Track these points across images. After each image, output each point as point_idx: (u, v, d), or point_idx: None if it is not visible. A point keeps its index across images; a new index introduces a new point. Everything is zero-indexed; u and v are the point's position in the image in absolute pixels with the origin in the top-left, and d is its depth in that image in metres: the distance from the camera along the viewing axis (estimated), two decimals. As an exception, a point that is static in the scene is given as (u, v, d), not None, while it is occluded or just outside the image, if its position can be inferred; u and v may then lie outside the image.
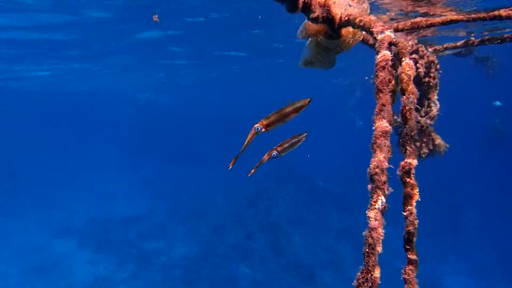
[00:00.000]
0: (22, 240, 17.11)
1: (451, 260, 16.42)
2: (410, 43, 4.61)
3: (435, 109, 4.62)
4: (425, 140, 4.73)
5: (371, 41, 2.94)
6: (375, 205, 1.47)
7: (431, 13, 5.32)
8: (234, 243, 15.54)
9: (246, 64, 20.74)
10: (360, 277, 1.38)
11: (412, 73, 1.68)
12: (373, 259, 1.40)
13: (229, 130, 36.36)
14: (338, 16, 2.06)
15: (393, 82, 1.75)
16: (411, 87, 1.67)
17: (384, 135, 1.60)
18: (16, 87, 25.73)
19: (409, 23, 2.81)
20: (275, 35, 12.93)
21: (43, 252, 16.11)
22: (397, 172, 1.75)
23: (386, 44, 1.68)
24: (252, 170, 2.22)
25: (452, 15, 2.94)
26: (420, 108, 4.59)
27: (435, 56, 4.56)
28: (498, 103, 21.03)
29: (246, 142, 2.12)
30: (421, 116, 4.60)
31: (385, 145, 1.58)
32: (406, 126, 1.70)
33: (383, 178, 1.51)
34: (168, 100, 49.11)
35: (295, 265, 14.39)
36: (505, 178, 24.44)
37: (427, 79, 4.43)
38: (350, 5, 2.04)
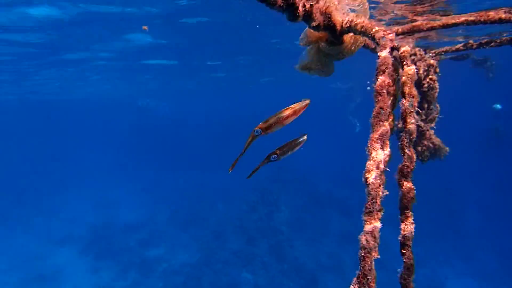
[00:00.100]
0: (22, 249, 17.04)
1: (454, 262, 16.33)
2: (410, 45, 4.62)
3: (435, 112, 4.62)
4: (425, 143, 4.72)
5: (372, 46, 2.94)
6: (370, 208, 1.46)
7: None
8: (235, 249, 15.47)
9: (246, 71, 20.80)
10: (356, 282, 1.38)
11: (413, 77, 1.67)
12: (369, 263, 1.39)
13: (229, 135, 36.41)
14: (340, 23, 2.06)
15: (394, 86, 1.75)
16: (413, 90, 1.67)
17: (381, 138, 1.59)
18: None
19: (410, 26, 2.81)
20: (276, 36, 12.94)
21: (44, 260, 16.03)
22: (395, 176, 1.74)
23: (388, 49, 1.68)
24: (251, 173, 2.22)
25: (452, 19, 2.95)
26: (420, 111, 4.59)
27: (434, 59, 4.57)
28: (498, 106, 21.05)
29: (245, 146, 2.14)
30: (422, 119, 4.60)
31: (381, 148, 1.58)
32: (406, 129, 1.69)
33: (379, 181, 1.50)
34: (168, 106, 49.23)
35: (297, 270, 14.30)
36: (506, 179, 24.39)
37: (426, 81, 4.44)
38: (351, 9, 2.05)
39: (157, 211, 20.19)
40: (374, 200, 1.44)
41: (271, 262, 14.68)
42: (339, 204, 19.85)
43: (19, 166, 33.09)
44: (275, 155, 2.26)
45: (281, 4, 1.71)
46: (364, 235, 1.38)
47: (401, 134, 1.77)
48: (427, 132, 4.69)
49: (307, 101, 2.27)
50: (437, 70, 4.58)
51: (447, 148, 4.75)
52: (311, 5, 1.88)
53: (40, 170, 31.30)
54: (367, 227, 1.39)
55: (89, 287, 14.00)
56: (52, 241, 17.72)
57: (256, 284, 13.57)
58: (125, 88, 26.55)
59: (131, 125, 55.40)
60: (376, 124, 1.61)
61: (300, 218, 18.10)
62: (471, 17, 3.03)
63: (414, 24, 2.80)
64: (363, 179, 1.51)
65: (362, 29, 1.90)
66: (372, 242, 1.36)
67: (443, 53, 4.77)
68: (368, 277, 1.34)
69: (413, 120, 1.70)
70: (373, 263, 1.37)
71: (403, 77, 1.72)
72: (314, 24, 2.00)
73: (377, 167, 1.49)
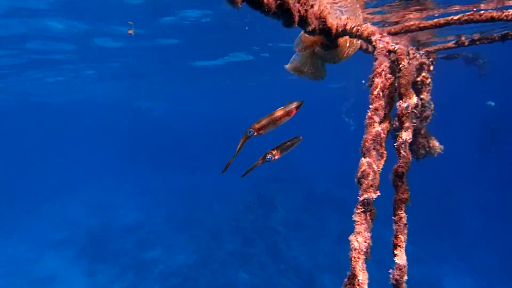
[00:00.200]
0: (18, 252, 16.90)
1: (451, 260, 16.40)
2: (403, 43, 4.64)
3: (429, 110, 4.65)
4: (420, 141, 4.75)
5: (369, 48, 2.96)
6: (361, 209, 1.47)
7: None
8: (232, 249, 15.45)
9: (242, 71, 20.78)
10: (347, 282, 1.38)
11: (410, 79, 1.68)
12: (360, 263, 1.39)
13: (225, 136, 36.33)
14: (335, 27, 2.07)
15: (391, 88, 1.76)
16: (409, 91, 1.68)
17: (375, 139, 1.60)
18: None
19: (402, 26, 2.83)
20: (270, 39, 12.97)
21: (40, 263, 15.91)
22: (389, 176, 1.75)
23: (385, 52, 1.69)
24: (246, 172, 2.23)
25: (444, 18, 2.97)
26: (414, 110, 4.62)
27: (428, 58, 4.60)
28: (491, 103, 21.22)
29: (238, 146, 2.16)
30: (416, 117, 4.63)
31: (374, 149, 1.58)
32: (402, 130, 1.70)
33: (371, 182, 1.51)
34: (164, 108, 49.09)
35: (295, 269, 14.31)
36: (504, 177, 24.58)
37: (420, 79, 4.47)
38: (341, 11, 2.05)
39: (153, 212, 20.11)
40: (365, 200, 1.45)
41: (268, 262, 14.68)
42: (335, 203, 19.87)
43: (14, 169, 32.81)
44: (271, 155, 2.28)
45: (276, 11, 1.71)
46: (355, 236, 1.38)
47: (396, 134, 1.78)
48: (422, 130, 4.73)
49: (300, 102, 2.28)
50: (431, 68, 4.62)
51: (442, 146, 4.78)
52: (306, 10, 1.88)
53: (36, 173, 31.07)
54: (358, 228, 1.39)
55: (86, 290, 13.94)
56: (48, 243, 17.58)
57: (253, 284, 13.56)
58: (120, 91, 26.44)
59: (127, 127, 55.18)
60: (371, 125, 1.61)
61: (296, 218, 18.12)
62: (464, 16, 3.05)
63: (406, 24, 2.82)
64: (355, 179, 1.52)
65: (357, 32, 1.91)
66: (363, 243, 1.36)
67: (435, 51, 4.80)
68: (359, 278, 1.35)
69: (408, 124, 1.71)
70: (365, 264, 1.37)
71: (400, 79, 1.73)
72: (309, 28, 2.01)
73: (370, 167, 1.49)
